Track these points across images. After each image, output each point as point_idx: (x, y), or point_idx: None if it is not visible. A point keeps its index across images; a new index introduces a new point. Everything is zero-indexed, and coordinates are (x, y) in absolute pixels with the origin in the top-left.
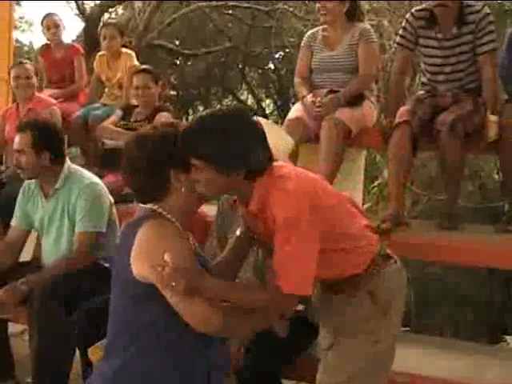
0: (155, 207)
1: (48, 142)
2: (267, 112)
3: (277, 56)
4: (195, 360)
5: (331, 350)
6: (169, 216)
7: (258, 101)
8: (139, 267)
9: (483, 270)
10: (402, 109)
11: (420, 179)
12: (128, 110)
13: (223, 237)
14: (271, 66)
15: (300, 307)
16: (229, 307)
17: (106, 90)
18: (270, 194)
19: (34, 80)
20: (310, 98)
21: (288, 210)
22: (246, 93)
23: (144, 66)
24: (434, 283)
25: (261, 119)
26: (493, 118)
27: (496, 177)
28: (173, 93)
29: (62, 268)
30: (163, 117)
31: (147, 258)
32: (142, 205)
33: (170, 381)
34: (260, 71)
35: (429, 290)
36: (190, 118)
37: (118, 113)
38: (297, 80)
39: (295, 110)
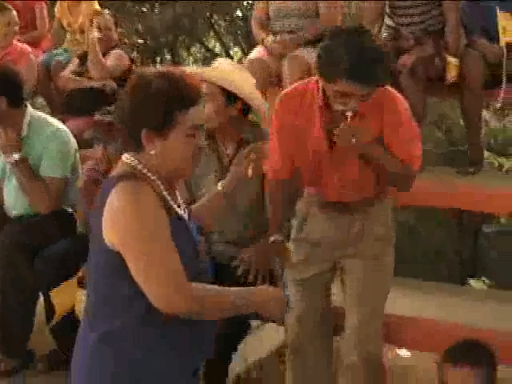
0: (135, 163)
1: (3, 86)
2: (235, 59)
3: (245, 3)
4: (185, 331)
5: (374, 262)
6: (149, 174)
7: (226, 48)
8: (108, 235)
9: (454, 224)
10: None
11: None
12: (85, 57)
13: (189, 182)
14: (239, 13)
15: None
16: (202, 290)
17: (68, 35)
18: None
19: (14, 28)
20: (270, 37)
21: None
22: (213, 41)
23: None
24: (406, 231)
25: (225, 60)
26: (453, 60)
27: (462, 123)
28: (140, 41)
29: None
30: (113, 54)
31: (113, 226)
32: (124, 156)
33: (158, 353)
34: (228, 19)
35: (401, 238)
36: (158, 66)
37: (75, 61)
38: (255, 25)
39: (256, 52)
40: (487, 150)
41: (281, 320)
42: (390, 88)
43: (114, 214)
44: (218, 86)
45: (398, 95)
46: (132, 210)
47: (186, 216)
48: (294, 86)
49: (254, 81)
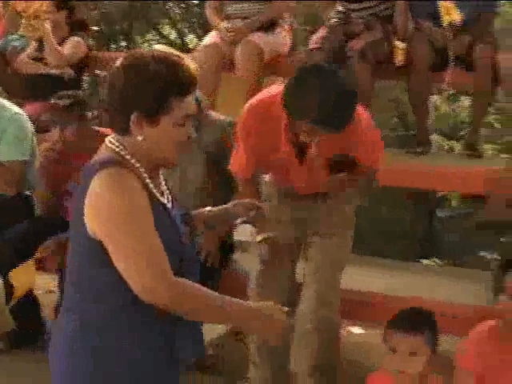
0: (119, 148)
1: None
2: (190, 46)
3: None
4: (168, 326)
5: (334, 239)
6: (132, 161)
7: (181, 35)
8: (90, 222)
9: (410, 204)
10: (315, 37)
11: None
12: (42, 43)
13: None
14: (194, 0)
15: None
16: (188, 285)
17: (23, 21)
18: None
19: None
20: (223, 24)
21: None
22: (168, 28)
23: None
24: (364, 212)
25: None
26: (401, 44)
27: None
28: (95, 28)
29: None
30: (71, 42)
31: (95, 213)
32: (107, 140)
33: (132, 342)
34: (183, 6)
35: (360, 217)
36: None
37: (33, 44)
38: (209, 10)
39: (210, 37)
40: (438, 134)
41: (275, 341)
42: None
43: (96, 200)
44: None
45: (359, 109)
46: (114, 197)
47: (169, 204)
48: (260, 96)
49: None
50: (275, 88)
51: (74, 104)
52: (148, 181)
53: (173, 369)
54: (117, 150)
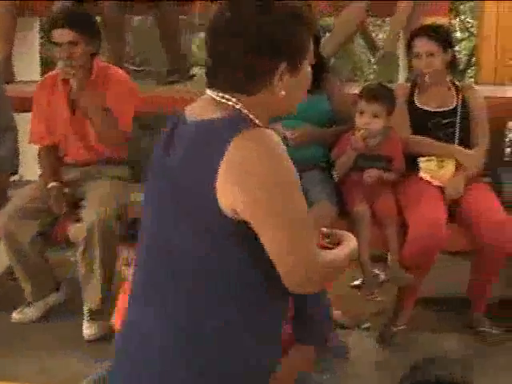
0: (238, 105)
1: None
2: None
3: None
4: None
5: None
6: (257, 120)
7: None
8: (229, 198)
9: None
10: None
11: None
12: None
13: None
14: None
15: None
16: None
17: None
18: None
19: None
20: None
21: None
22: None
23: None
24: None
25: None
26: None
27: None
28: None
29: None
30: None
31: (241, 186)
32: (211, 93)
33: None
34: None
35: None
36: None
37: None
38: None
39: None
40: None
41: None
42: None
43: (243, 171)
44: None
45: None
46: (272, 168)
47: None
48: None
49: None
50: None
51: None
52: None
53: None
54: (237, 106)
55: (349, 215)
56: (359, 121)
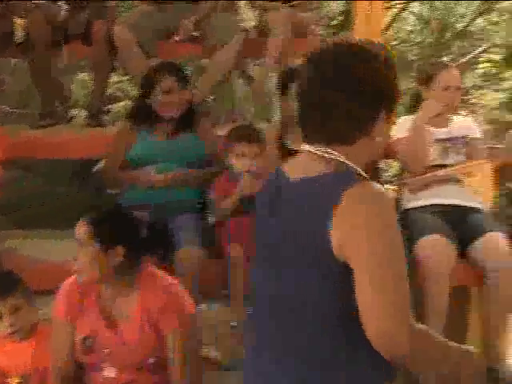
0: (342, 158)
1: None
2: None
3: None
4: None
5: None
6: (363, 174)
7: None
8: (339, 241)
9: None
10: None
11: None
12: None
13: None
14: None
15: None
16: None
17: None
18: None
19: None
20: None
21: None
22: None
23: None
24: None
25: None
26: (20, 21)
27: None
28: None
29: None
30: None
31: (353, 233)
32: (310, 147)
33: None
34: None
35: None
36: None
37: None
38: None
39: None
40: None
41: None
42: None
43: (355, 217)
44: None
45: None
46: (384, 221)
47: None
48: None
49: None
50: None
51: None
52: None
53: None
54: (340, 158)
55: (224, 259)
56: (242, 163)
